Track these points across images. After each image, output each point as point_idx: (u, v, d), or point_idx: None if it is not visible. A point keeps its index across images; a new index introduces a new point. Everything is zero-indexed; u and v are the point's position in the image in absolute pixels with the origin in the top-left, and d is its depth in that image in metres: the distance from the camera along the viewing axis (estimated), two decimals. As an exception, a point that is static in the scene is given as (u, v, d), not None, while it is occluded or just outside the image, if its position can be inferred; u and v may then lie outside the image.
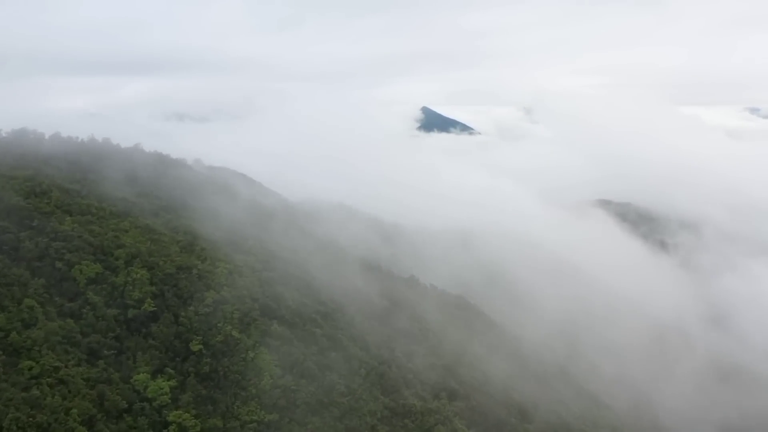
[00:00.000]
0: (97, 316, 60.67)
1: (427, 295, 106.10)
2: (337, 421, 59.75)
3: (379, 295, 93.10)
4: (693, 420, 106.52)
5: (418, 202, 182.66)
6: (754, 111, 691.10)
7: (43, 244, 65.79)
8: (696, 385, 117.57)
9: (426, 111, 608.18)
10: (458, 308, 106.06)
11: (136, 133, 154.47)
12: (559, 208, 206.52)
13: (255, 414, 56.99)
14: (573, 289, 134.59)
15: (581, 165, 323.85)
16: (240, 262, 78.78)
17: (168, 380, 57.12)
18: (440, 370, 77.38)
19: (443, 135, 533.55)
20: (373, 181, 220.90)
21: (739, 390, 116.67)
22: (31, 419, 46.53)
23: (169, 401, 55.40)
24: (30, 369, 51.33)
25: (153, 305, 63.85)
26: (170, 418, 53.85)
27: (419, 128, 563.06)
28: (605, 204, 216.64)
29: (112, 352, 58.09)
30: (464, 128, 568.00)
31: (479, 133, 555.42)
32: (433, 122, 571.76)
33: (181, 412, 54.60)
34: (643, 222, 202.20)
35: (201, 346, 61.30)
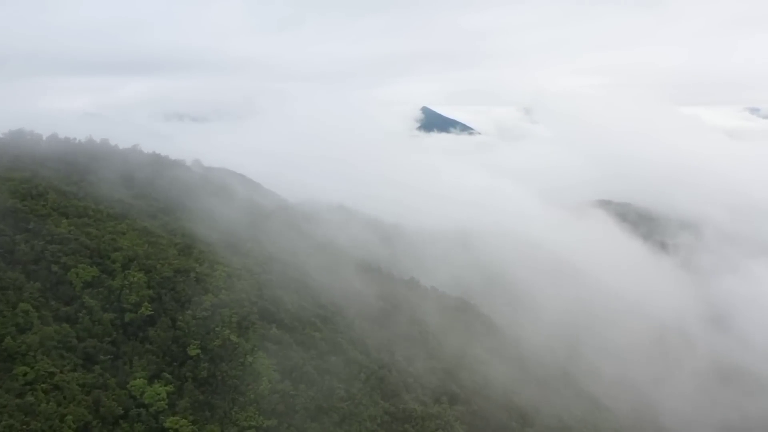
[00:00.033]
0: (94, 320, 60.07)
1: (427, 297, 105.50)
2: (337, 426, 59.14)
3: (378, 297, 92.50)
4: (694, 421, 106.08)
5: (417, 203, 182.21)
6: (754, 111, 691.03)
7: (39, 247, 65.21)
8: (697, 386, 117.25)
9: (426, 111, 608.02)
10: (458, 310, 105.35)
11: (136, 133, 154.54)
12: (559, 209, 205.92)
13: (253, 419, 56.35)
14: (573, 289, 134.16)
15: (581, 165, 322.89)
16: (238, 264, 78.14)
17: (165, 385, 56.51)
18: (441, 373, 76.84)
19: (443, 135, 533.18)
20: (373, 181, 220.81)
21: (740, 391, 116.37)
22: (25, 426, 46.02)
23: (166, 407, 54.81)
24: (24, 375, 50.71)
25: (150, 309, 63.28)
26: (167, 424, 53.25)
27: (419, 128, 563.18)
28: (605, 204, 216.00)
29: (109, 357, 57.51)
30: (464, 128, 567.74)
31: (479, 133, 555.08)
32: (433, 122, 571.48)
33: (178, 418, 54.04)
34: (643, 222, 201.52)
35: (199, 351, 60.68)
